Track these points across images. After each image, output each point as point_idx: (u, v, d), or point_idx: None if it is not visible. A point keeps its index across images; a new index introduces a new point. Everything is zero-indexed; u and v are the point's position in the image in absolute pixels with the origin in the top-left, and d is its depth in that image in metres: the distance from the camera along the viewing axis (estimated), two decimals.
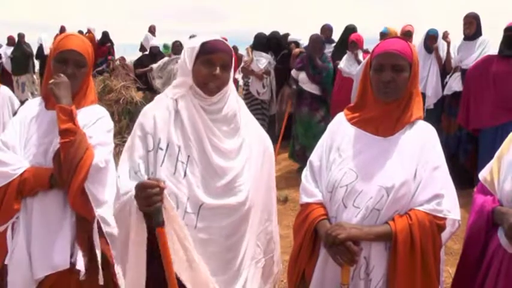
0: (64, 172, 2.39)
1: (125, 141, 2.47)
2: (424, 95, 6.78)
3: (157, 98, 2.39)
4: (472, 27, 6.66)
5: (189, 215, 2.17)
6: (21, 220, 2.47)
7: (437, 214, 2.13)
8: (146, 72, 9.71)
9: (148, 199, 1.98)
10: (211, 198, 2.20)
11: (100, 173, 2.48)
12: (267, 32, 9.12)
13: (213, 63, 2.23)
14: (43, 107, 2.58)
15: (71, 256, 2.50)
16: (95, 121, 2.58)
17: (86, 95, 2.65)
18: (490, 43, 6.60)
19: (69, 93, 2.46)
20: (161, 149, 2.21)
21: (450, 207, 2.16)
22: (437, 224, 2.13)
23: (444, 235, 2.23)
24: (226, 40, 2.32)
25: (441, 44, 7.03)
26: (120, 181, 2.20)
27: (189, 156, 2.22)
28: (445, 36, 6.88)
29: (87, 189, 2.44)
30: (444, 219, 2.16)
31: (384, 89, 2.20)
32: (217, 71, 2.22)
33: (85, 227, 2.53)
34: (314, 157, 2.41)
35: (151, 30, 14.60)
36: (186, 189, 2.18)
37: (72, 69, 2.51)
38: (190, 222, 2.16)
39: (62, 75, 2.47)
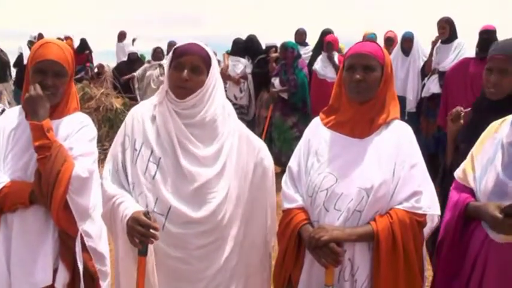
0: (44, 187, 2.34)
1: (105, 149, 2.48)
2: (404, 99, 6.89)
3: (142, 102, 2.48)
4: (446, 32, 6.78)
5: (158, 215, 2.22)
6: (1, 235, 2.40)
7: (417, 211, 2.16)
8: (129, 80, 9.63)
9: (140, 237, 2.10)
10: (180, 203, 2.22)
11: (83, 183, 2.42)
12: (245, 37, 9.13)
13: (183, 66, 2.25)
14: (23, 117, 2.47)
15: (55, 272, 2.44)
16: (77, 130, 2.51)
17: (68, 104, 2.57)
18: (465, 46, 6.73)
19: (42, 108, 2.38)
20: (135, 149, 2.29)
21: (430, 203, 2.20)
22: (417, 220, 2.17)
23: (425, 231, 2.27)
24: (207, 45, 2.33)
25: (418, 47, 7.15)
26: (105, 182, 2.32)
27: (160, 158, 2.26)
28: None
29: (70, 200, 2.38)
30: (424, 215, 2.20)
31: (355, 88, 2.24)
32: (185, 73, 2.23)
33: (68, 242, 2.47)
34: (292, 163, 2.43)
35: (122, 36, 13.73)
36: (155, 190, 2.23)
37: (51, 80, 2.42)
38: (158, 222, 2.20)
39: (38, 87, 2.38)
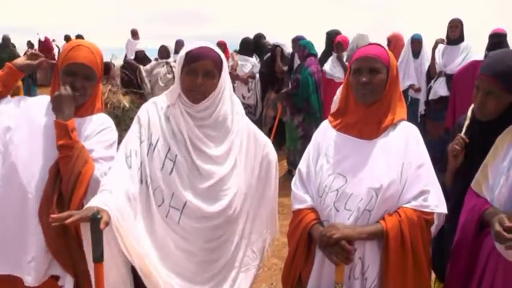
0: (64, 186, 2.34)
1: None
2: (416, 100, 6.98)
3: (154, 98, 2.47)
4: (458, 30, 6.83)
5: (173, 209, 2.27)
6: None
7: (425, 209, 2.20)
8: (136, 74, 9.61)
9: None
10: (196, 199, 2.28)
11: (99, 186, 2.34)
12: (252, 36, 9.13)
13: (196, 72, 2.27)
14: (51, 112, 2.43)
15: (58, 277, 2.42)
16: (98, 132, 2.50)
17: (93, 104, 2.58)
18: (472, 48, 6.75)
19: (68, 107, 2.38)
20: (152, 143, 2.32)
21: (437, 201, 2.23)
22: (425, 218, 2.21)
23: (432, 229, 2.29)
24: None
25: (426, 49, 7.17)
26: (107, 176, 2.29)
27: (176, 155, 2.30)
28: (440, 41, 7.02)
29: (86, 202, 2.31)
30: (431, 213, 2.23)
31: (361, 91, 2.28)
32: (199, 79, 2.26)
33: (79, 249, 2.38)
34: (302, 165, 2.47)
35: (134, 33, 13.99)
36: (172, 185, 2.27)
37: (81, 83, 2.43)
38: (174, 216, 2.27)
39: (68, 88, 2.39)
